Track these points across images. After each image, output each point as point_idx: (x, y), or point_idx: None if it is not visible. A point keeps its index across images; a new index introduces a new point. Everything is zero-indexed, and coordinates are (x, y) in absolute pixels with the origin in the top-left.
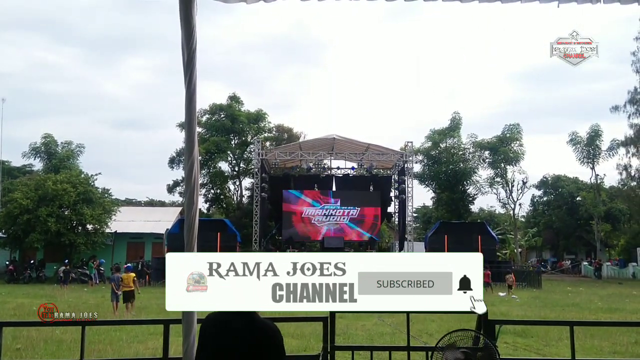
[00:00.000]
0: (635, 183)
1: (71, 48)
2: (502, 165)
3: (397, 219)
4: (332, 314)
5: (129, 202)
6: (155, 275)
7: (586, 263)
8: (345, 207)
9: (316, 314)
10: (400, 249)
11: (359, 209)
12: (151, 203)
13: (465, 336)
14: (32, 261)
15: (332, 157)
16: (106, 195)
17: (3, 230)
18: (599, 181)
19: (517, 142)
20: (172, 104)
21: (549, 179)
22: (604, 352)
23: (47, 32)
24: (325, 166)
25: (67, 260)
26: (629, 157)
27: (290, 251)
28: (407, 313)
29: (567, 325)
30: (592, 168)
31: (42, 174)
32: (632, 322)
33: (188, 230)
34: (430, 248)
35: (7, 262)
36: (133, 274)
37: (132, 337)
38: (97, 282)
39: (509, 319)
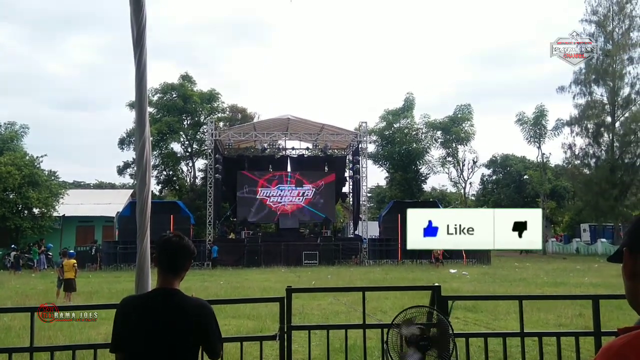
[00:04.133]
0: (579, 161)
1: (11, 25)
2: (454, 145)
3: (351, 199)
4: (289, 293)
5: (77, 185)
6: (107, 259)
7: None
8: (300, 188)
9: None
10: (355, 229)
11: (314, 189)
12: (100, 186)
13: (420, 312)
14: None
15: (287, 138)
16: (53, 177)
17: None
18: (544, 160)
19: (468, 122)
20: (119, 84)
21: (498, 158)
22: (550, 324)
23: None
24: (280, 147)
25: (13, 246)
26: (574, 136)
27: (245, 233)
28: (363, 290)
29: (516, 299)
30: (539, 147)
31: None
32: (576, 295)
33: (140, 213)
34: (384, 227)
35: None
36: (73, 260)
37: (83, 323)
38: (45, 267)
39: (461, 295)
